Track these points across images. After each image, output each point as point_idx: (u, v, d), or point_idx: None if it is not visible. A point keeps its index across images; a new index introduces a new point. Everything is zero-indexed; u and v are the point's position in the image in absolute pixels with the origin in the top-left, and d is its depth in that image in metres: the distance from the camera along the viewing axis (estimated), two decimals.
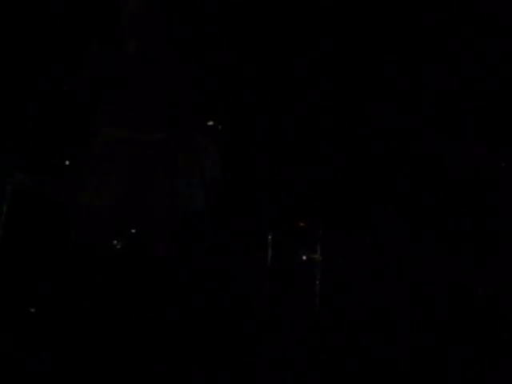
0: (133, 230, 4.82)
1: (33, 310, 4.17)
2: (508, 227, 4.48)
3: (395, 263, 4.79)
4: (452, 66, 4.59)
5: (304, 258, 5.74)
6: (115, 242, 4.68)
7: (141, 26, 3.44)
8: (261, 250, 5.50)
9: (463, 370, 3.49)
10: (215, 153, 4.40)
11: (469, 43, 4.49)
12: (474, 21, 4.51)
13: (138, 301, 3.92)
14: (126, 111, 3.56)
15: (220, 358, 3.75)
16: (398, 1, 5.06)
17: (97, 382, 3.05)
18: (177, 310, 3.91)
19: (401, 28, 5.04)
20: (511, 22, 4.42)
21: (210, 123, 5.04)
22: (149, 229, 3.92)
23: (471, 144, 4.66)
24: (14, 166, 4.29)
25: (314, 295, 5.08)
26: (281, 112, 5.99)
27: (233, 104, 5.78)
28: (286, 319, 4.89)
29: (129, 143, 3.58)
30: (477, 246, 4.56)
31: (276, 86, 5.63)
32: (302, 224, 6.35)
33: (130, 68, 3.57)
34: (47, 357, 3.21)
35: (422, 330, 4.09)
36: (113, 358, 3.40)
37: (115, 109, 3.62)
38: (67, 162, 4.77)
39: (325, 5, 4.75)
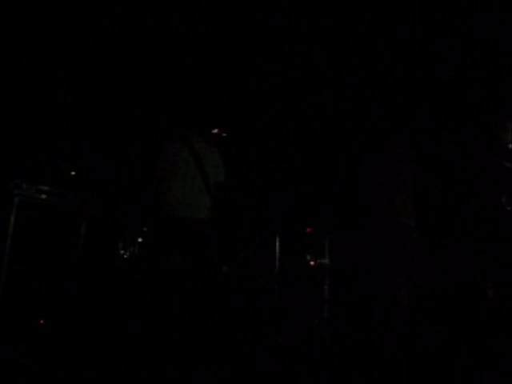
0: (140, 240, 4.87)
1: (42, 321, 4.20)
2: None
3: (404, 265, 4.76)
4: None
5: (312, 263, 5.74)
6: (122, 251, 4.73)
7: None
8: (269, 255, 5.52)
9: (469, 368, 3.46)
10: (219, 158, 4.42)
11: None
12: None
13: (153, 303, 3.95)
14: None
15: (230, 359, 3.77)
16: None
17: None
18: (187, 313, 3.93)
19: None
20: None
21: (215, 131, 5.07)
22: None
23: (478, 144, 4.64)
24: (22, 177, 4.34)
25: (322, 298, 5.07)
26: (289, 119, 6.00)
27: (239, 110, 5.80)
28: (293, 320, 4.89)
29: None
30: (485, 246, 4.53)
31: (282, 88, 5.63)
32: (309, 230, 6.36)
33: None
34: (55, 362, 3.24)
35: (430, 329, 4.07)
36: (121, 362, 3.42)
37: None
38: (73, 173, 4.81)
39: None
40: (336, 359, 4.16)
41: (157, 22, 4.51)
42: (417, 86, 4.60)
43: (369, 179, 4.20)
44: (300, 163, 6.55)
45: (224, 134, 5.12)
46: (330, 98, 5.42)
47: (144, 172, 4.81)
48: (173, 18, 4.45)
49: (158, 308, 3.94)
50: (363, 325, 4.29)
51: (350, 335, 4.53)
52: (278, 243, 5.50)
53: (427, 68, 4.33)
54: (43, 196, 4.43)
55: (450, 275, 4.60)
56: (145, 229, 4.87)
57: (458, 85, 4.38)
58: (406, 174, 3.94)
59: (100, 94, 5.38)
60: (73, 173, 4.83)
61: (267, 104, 5.77)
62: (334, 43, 4.64)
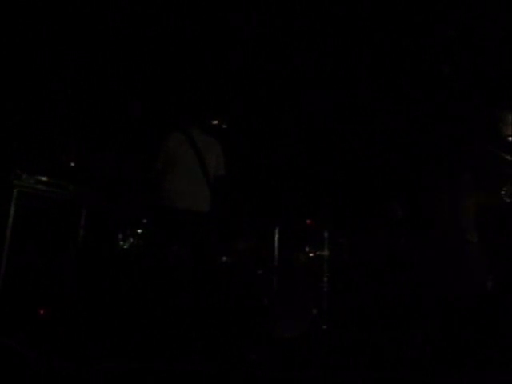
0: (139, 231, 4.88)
1: (41, 311, 4.21)
2: None
3: (402, 259, 4.77)
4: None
5: (312, 255, 5.75)
6: (121, 242, 4.74)
7: None
8: (268, 246, 5.53)
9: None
10: (220, 150, 4.42)
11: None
12: None
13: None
14: None
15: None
16: None
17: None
18: (186, 304, 3.95)
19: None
20: None
21: (215, 122, 5.05)
22: None
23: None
24: (21, 168, 4.33)
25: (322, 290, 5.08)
26: (289, 112, 5.98)
27: (241, 101, 5.78)
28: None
29: None
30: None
31: (283, 84, 5.62)
32: (309, 221, 6.36)
33: None
34: (55, 353, 3.25)
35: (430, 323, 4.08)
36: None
37: None
38: (73, 164, 4.81)
39: None
40: (335, 351, 4.18)
41: (155, 13, 4.49)
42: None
43: (436, 200, 4.44)
44: (303, 158, 6.55)
45: (224, 126, 5.11)
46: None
47: (144, 163, 4.82)
48: (172, 8, 4.43)
49: (157, 299, 3.95)
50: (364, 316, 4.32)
51: (350, 327, 4.55)
52: (277, 235, 5.51)
53: (428, 61, 4.32)
54: (43, 187, 4.43)
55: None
56: (144, 220, 4.88)
57: (458, 77, 4.37)
58: (469, 198, 4.21)
59: (100, 85, 5.36)
60: (72, 164, 4.82)
61: (270, 95, 5.75)
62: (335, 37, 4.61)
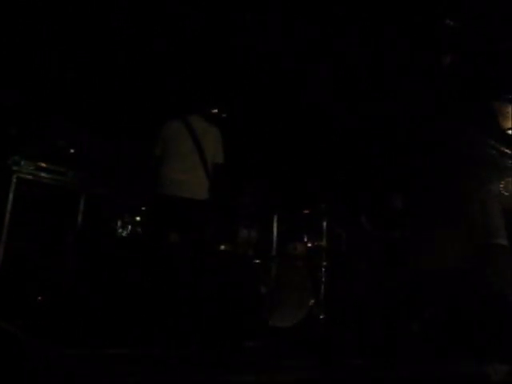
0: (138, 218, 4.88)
1: (39, 298, 4.23)
2: None
3: (400, 250, 4.78)
4: None
5: (310, 245, 5.76)
6: (120, 230, 4.74)
7: None
8: (267, 236, 5.54)
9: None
10: (219, 137, 4.40)
11: None
12: None
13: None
14: None
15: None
16: None
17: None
18: (184, 292, 3.96)
19: None
20: None
21: (215, 111, 5.03)
22: None
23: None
24: (20, 154, 4.32)
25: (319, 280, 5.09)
26: (289, 102, 5.96)
27: (240, 89, 5.76)
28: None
29: None
30: None
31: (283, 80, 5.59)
32: (307, 211, 6.37)
33: None
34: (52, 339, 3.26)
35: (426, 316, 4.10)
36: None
37: None
38: (72, 151, 4.79)
39: None
40: (332, 339, 4.21)
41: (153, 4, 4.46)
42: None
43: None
44: (302, 148, 6.55)
45: (224, 115, 5.09)
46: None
47: (143, 151, 4.81)
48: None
49: (155, 287, 3.96)
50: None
51: (347, 317, 4.58)
52: (275, 224, 5.52)
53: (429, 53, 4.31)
54: (42, 173, 4.43)
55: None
56: (143, 208, 4.87)
57: (458, 69, 4.36)
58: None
59: (99, 71, 5.34)
60: (72, 150, 4.80)
61: (270, 85, 5.73)
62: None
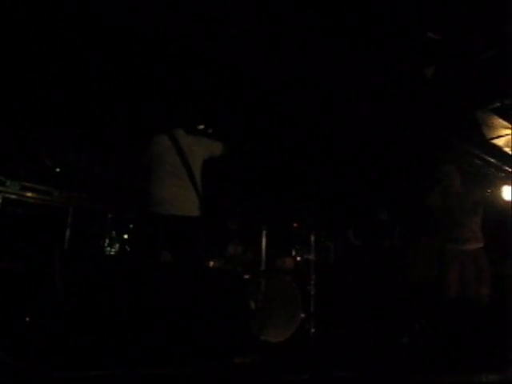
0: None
1: (28, 319, 4.17)
2: None
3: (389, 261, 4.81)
4: None
5: (298, 258, 5.77)
6: (108, 248, 4.71)
7: None
8: (256, 251, 5.53)
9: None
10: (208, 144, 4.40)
11: None
12: None
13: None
14: None
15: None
16: None
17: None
18: (173, 309, 3.94)
19: None
20: None
21: (201, 127, 5.04)
22: None
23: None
24: (6, 174, 4.29)
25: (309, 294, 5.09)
26: (276, 116, 5.98)
27: (226, 106, 5.77)
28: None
29: None
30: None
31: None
32: (296, 225, 6.38)
33: None
34: (41, 360, 3.22)
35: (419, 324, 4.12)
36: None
37: None
38: (58, 170, 4.78)
39: None
40: (322, 354, 4.19)
41: (147, 17, 4.46)
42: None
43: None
44: (290, 162, 6.57)
45: (210, 131, 5.09)
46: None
47: (130, 168, 4.79)
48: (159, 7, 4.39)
49: (144, 304, 3.93)
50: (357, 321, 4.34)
51: (338, 330, 4.57)
52: (264, 239, 5.51)
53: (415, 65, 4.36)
54: (28, 193, 4.40)
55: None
56: (131, 225, 4.85)
57: (442, 80, 4.42)
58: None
59: (86, 89, 5.33)
60: (58, 169, 4.78)
61: (256, 98, 5.74)
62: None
